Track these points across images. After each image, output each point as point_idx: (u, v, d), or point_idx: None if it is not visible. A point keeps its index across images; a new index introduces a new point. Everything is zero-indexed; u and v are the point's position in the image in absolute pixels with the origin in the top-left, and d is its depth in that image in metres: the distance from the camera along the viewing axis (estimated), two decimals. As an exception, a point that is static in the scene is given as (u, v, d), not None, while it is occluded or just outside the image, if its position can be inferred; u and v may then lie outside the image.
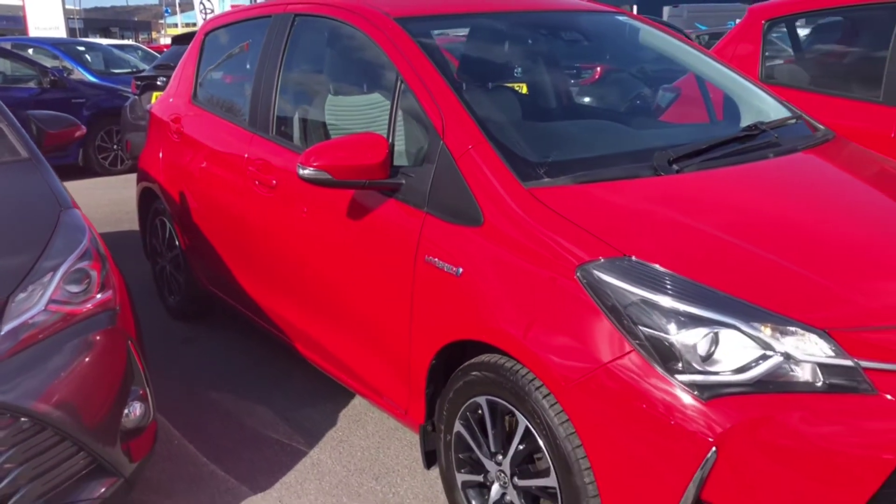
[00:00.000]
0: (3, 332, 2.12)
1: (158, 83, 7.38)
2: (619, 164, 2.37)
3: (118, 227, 6.25)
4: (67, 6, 33.01)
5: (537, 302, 2.06)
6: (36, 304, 2.21)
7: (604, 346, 1.91)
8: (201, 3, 26.08)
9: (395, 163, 2.53)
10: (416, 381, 2.48)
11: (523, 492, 2.19)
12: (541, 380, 2.03)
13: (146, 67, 10.51)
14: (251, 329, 3.72)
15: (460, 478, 2.41)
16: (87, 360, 2.23)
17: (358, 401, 3.37)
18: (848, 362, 1.80)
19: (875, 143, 3.57)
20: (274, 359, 3.76)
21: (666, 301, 1.87)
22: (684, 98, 3.47)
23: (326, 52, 3.36)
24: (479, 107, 2.54)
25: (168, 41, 28.19)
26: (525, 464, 2.17)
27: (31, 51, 11.34)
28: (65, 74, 9.99)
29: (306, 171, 2.46)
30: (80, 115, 8.39)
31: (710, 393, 1.78)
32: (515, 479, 2.19)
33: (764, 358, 1.80)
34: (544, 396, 2.02)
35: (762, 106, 3.06)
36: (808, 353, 1.80)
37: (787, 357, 1.80)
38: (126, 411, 2.34)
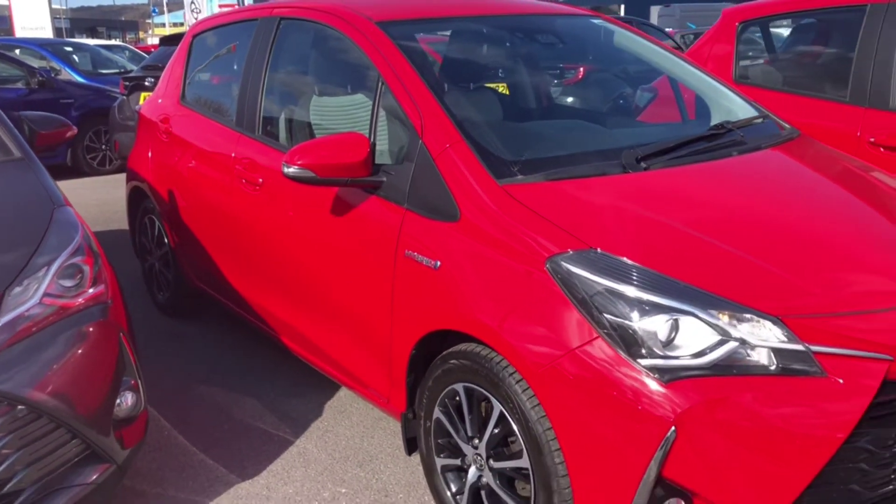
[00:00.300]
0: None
1: (146, 83, 7.45)
2: (589, 162, 2.49)
3: (107, 227, 6.32)
4: (54, 6, 32.90)
5: (510, 293, 2.17)
6: (31, 298, 2.30)
7: (572, 334, 2.02)
8: (192, 2, 26.08)
9: (377, 161, 2.63)
10: (398, 370, 2.59)
11: (498, 473, 2.30)
12: (514, 366, 2.14)
13: (134, 68, 10.58)
14: (239, 324, 3.82)
15: (439, 462, 2.52)
16: (80, 351, 2.33)
17: (343, 392, 3.47)
18: (800, 347, 1.92)
19: (843, 141, 3.71)
20: (261, 353, 3.86)
21: (629, 290, 1.98)
22: (661, 98, 3.60)
23: (311, 54, 3.47)
24: (457, 107, 2.66)
25: (156, 41, 28.18)
26: (500, 447, 2.28)
27: (17, 51, 11.36)
28: (52, 75, 10.03)
29: (291, 170, 2.56)
30: (69, 116, 8.44)
31: (669, 376, 1.89)
32: (491, 461, 2.30)
33: (721, 343, 1.92)
34: (517, 382, 2.13)
35: (731, 106, 3.18)
36: (762, 338, 1.92)
37: (743, 342, 1.92)
38: (118, 401, 2.43)
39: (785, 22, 4.89)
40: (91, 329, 2.37)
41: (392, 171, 2.59)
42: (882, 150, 3.65)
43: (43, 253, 2.42)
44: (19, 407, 2.16)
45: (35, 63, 10.68)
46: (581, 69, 4.48)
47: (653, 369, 1.91)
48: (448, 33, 3.45)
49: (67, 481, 2.30)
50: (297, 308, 3.13)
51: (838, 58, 4.15)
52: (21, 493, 2.20)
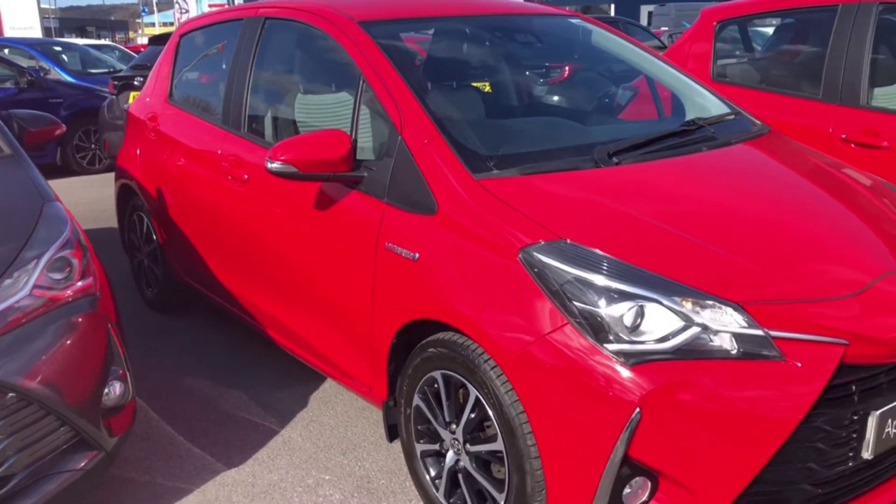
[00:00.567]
0: (-10, 315, 2.28)
1: (135, 83, 7.50)
2: (563, 158, 2.57)
3: (97, 225, 6.37)
4: (43, 5, 32.83)
5: (485, 282, 2.25)
6: (21, 290, 2.37)
7: (542, 321, 2.11)
8: (177, 2, 26.05)
9: (359, 157, 2.72)
10: (379, 359, 2.67)
11: (475, 457, 2.38)
12: (488, 353, 2.22)
13: (124, 67, 10.61)
14: (226, 319, 3.89)
15: (419, 448, 2.60)
16: (69, 341, 2.40)
17: (328, 384, 3.55)
18: (759, 332, 2.01)
19: (816, 138, 3.81)
20: (248, 347, 3.93)
21: (597, 279, 2.07)
22: (641, 96, 3.69)
23: (295, 53, 3.55)
24: (436, 104, 2.74)
25: (145, 41, 28.12)
26: (476, 431, 2.36)
27: (6, 51, 11.38)
28: (42, 75, 10.06)
29: (274, 165, 2.64)
30: (58, 115, 8.46)
31: (634, 360, 1.98)
32: (468, 445, 2.39)
33: (684, 329, 2.00)
34: (492, 368, 2.22)
35: (705, 103, 3.28)
36: (723, 324, 2.01)
37: (705, 328, 2.00)
38: (107, 390, 2.51)
39: (766, 21, 4.99)
40: (80, 320, 2.44)
41: (373, 167, 2.67)
42: (853, 146, 3.76)
43: (33, 246, 2.49)
44: (10, 394, 2.22)
45: (24, 63, 10.70)
46: (567, 68, 4.58)
47: (619, 354, 1.99)
48: (432, 32, 3.54)
49: (57, 467, 2.37)
50: (282, 301, 3.21)
51: (812, 56, 4.26)
52: (12, 478, 2.27)
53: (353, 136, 2.75)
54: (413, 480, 2.66)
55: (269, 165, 2.65)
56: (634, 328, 2.02)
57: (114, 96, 7.83)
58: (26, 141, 3.40)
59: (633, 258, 2.12)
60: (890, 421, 2.09)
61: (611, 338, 2.02)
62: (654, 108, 3.50)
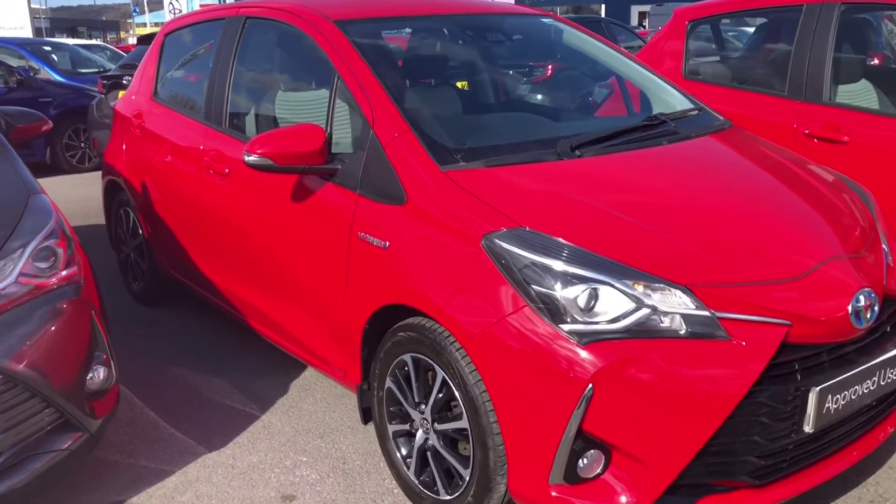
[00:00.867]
0: (-23, 302, 2.38)
1: (124, 82, 7.57)
2: (528, 151, 2.69)
3: (86, 221, 6.46)
4: (33, 5, 32.79)
5: (451, 268, 2.37)
6: (7, 277, 2.47)
7: (503, 304, 2.22)
8: (170, 2, 26.05)
9: (334, 150, 2.83)
10: (353, 345, 2.78)
11: (442, 435, 2.50)
12: (454, 336, 2.34)
13: (113, 67, 10.70)
14: (210, 310, 4.00)
15: (391, 428, 2.71)
16: (54, 326, 2.50)
17: (308, 372, 3.66)
18: (706, 313, 2.13)
19: (781, 133, 3.94)
20: (232, 337, 4.04)
21: (554, 263, 2.19)
22: (610, 93, 3.81)
23: (274, 51, 3.66)
24: (407, 100, 2.86)
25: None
26: (443, 411, 2.48)
27: (-4, 51, 11.46)
28: (31, 74, 10.13)
29: (251, 158, 2.75)
30: (48, 114, 8.41)
31: (588, 339, 2.10)
32: (436, 424, 2.50)
33: (635, 310, 2.12)
34: (457, 350, 2.33)
35: (670, 99, 3.40)
36: (672, 305, 2.13)
37: (655, 309, 2.13)
38: (90, 374, 2.61)
39: (729, 21, 5.12)
40: (65, 306, 2.55)
41: (346, 160, 2.78)
42: (816, 140, 3.89)
43: (18, 236, 2.59)
44: (-4, 377, 2.33)
45: (14, 62, 10.76)
46: (549, 67, 4.70)
47: (573, 334, 2.11)
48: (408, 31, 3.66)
49: (43, 447, 2.47)
50: (262, 291, 3.32)
51: (778, 55, 4.39)
52: (-1, 457, 2.37)
53: (329, 131, 2.86)
54: (386, 460, 2.78)
55: (247, 158, 2.76)
56: (588, 310, 2.14)
57: (103, 95, 7.91)
58: (13, 136, 3.50)
59: (589, 244, 2.24)
60: (830, 396, 2.21)
61: (566, 319, 2.13)
62: (623, 105, 3.62)
